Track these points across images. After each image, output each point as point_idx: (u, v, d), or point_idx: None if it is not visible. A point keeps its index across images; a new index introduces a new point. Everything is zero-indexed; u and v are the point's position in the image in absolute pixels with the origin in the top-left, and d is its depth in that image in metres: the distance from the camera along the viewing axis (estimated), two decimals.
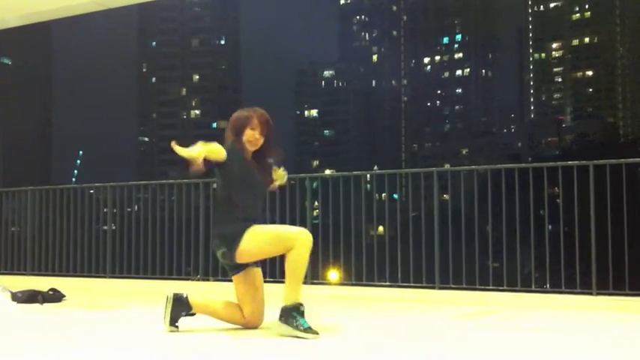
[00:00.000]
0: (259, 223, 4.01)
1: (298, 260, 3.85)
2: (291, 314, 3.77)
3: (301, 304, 3.81)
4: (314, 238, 6.43)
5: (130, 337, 3.97)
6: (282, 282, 6.35)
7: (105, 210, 7.87)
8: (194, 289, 6.71)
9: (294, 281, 3.88)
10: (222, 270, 6.87)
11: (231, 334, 3.98)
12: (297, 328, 3.73)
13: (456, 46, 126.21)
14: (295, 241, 3.85)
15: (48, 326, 4.58)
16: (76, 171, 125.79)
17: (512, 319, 4.76)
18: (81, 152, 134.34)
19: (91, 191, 8.12)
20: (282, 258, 6.59)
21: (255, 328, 4.01)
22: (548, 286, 5.81)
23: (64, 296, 5.86)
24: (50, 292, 5.82)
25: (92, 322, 4.73)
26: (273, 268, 6.51)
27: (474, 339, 3.93)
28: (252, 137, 4.03)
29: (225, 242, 3.96)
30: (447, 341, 3.85)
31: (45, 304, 5.55)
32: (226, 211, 3.99)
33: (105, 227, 7.82)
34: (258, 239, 3.91)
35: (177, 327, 3.92)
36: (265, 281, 6.27)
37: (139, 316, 5.06)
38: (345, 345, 3.70)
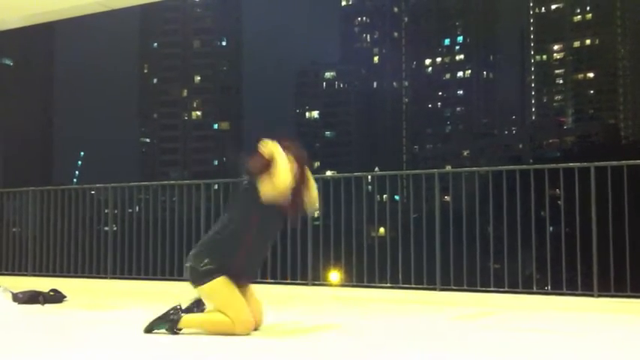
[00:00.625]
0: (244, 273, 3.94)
1: (220, 323, 3.85)
2: (167, 319, 3.91)
3: (175, 327, 3.89)
4: (315, 239, 6.47)
5: (131, 338, 3.97)
6: (282, 283, 6.36)
7: (106, 211, 7.87)
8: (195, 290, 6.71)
9: (204, 322, 3.94)
10: None
11: (233, 334, 3.98)
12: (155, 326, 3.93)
13: (457, 47, 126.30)
14: (232, 319, 3.83)
15: (49, 327, 4.58)
16: (77, 172, 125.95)
17: (513, 321, 4.76)
18: (82, 153, 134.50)
19: (92, 192, 8.13)
20: (282, 259, 6.60)
21: (257, 329, 4.00)
22: (549, 287, 5.80)
23: (65, 297, 5.86)
24: (51, 293, 5.82)
25: (93, 322, 4.73)
26: (275, 270, 6.51)
27: (475, 340, 3.93)
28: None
29: (194, 269, 3.91)
30: (448, 342, 3.85)
31: (46, 305, 5.54)
32: (231, 240, 3.89)
33: (106, 228, 7.82)
34: (218, 295, 3.87)
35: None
36: (265, 282, 6.29)
37: (140, 317, 5.05)
38: (347, 345, 3.70)
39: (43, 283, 6.44)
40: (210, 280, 3.83)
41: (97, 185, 8.07)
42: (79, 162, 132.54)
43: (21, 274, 7.92)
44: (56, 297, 5.80)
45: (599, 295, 5.30)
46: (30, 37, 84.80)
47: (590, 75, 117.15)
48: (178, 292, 6.64)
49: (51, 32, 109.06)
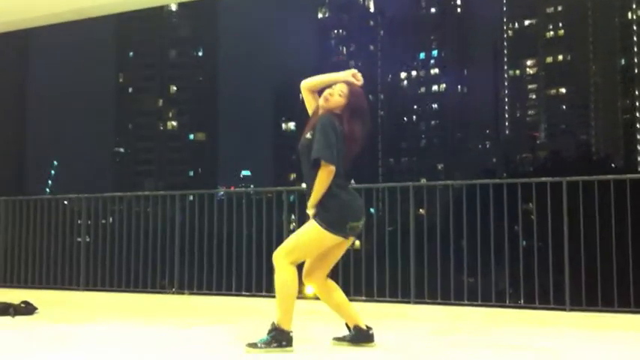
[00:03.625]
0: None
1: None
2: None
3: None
4: None
5: (103, 351, 3.93)
6: (257, 296, 6.34)
7: (79, 221, 7.79)
8: (169, 303, 6.67)
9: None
10: (198, 283, 6.84)
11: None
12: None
13: (432, 61, 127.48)
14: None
15: (19, 340, 4.51)
16: (50, 181, 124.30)
17: (485, 336, 4.78)
18: (55, 162, 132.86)
19: (65, 202, 8.04)
20: (257, 272, 6.57)
21: None
22: (522, 301, 5.86)
23: (37, 309, 5.78)
24: (22, 305, 5.73)
25: (64, 335, 4.66)
26: (250, 282, 6.49)
27: (447, 357, 3.95)
28: (327, 93, 3.87)
29: None
30: (421, 357, 3.86)
31: (16, 317, 5.46)
32: None
33: (79, 239, 7.74)
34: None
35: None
36: (241, 295, 6.26)
37: (112, 330, 5.00)
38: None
39: (13, 295, 6.35)
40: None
41: (70, 195, 7.99)
42: (52, 171, 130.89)
43: None
44: (27, 309, 5.71)
45: (571, 309, 5.37)
46: (3, 44, 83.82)
47: (562, 90, 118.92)
48: (151, 305, 6.61)
49: (25, 40, 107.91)
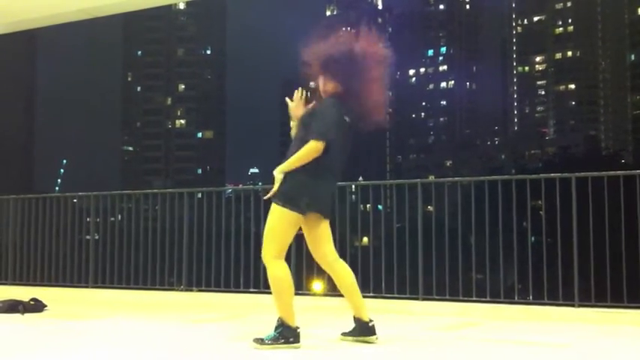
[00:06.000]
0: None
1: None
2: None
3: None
4: (299, 248, 6.46)
5: (111, 348, 3.94)
6: (265, 292, 6.34)
7: (88, 219, 7.82)
8: (177, 300, 6.69)
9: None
10: (206, 280, 6.85)
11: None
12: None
13: (440, 58, 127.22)
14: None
15: (28, 336, 4.54)
16: (59, 180, 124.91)
17: (494, 331, 4.78)
18: (64, 161, 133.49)
19: (75, 200, 8.06)
20: (264, 268, 6.57)
21: None
22: (531, 297, 5.84)
23: (46, 306, 5.81)
24: (31, 302, 5.77)
25: (73, 332, 4.68)
26: (257, 279, 6.50)
27: (455, 351, 3.94)
28: (322, 91, 4.04)
29: None
30: (429, 352, 3.86)
31: (26, 314, 5.49)
32: None
33: (88, 237, 7.76)
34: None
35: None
36: (248, 292, 6.27)
37: (120, 327, 5.02)
38: (323, 356, 3.69)
39: (23, 292, 6.38)
40: None
41: (79, 193, 8.02)
42: (61, 170, 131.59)
43: (0, 282, 7.83)
44: (36, 306, 5.74)
45: (580, 305, 5.35)
46: (12, 44, 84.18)
47: (572, 86, 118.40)
48: (160, 302, 6.63)
49: (33, 39, 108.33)
